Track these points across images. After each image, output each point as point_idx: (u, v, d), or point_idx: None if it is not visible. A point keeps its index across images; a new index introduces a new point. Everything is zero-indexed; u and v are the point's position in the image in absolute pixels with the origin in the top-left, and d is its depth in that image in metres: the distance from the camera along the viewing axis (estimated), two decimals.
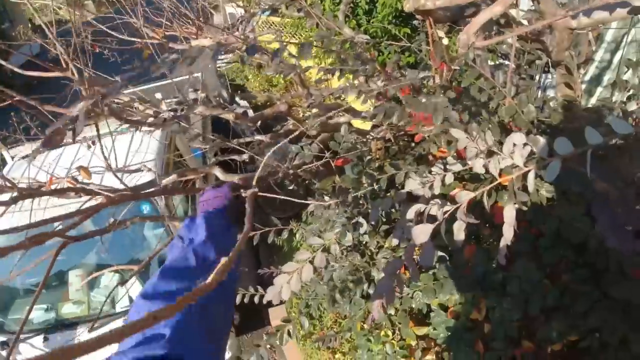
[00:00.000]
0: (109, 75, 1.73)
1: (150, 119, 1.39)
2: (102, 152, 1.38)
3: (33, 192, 1.19)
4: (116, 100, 1.39)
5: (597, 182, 0.80)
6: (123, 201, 0.96)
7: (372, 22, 4.32)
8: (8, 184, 1.16)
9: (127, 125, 1.65)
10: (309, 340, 3.85)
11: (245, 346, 4.86)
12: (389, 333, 1.78)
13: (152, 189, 1.22)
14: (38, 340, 3.69)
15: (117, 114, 1.22)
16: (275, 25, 6.25)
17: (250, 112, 5.93)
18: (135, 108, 1.45)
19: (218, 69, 8.56)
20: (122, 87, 1.00)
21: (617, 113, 1.27)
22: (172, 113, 1.40)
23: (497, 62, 2.27)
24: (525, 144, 0.88)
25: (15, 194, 1.24)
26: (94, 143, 1.80)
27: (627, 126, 0.72)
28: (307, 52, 1.24)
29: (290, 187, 1.57)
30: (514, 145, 0.90)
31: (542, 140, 0.85)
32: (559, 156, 0.83)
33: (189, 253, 1.02)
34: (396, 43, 2.77)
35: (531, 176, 0.87)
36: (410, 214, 1.03)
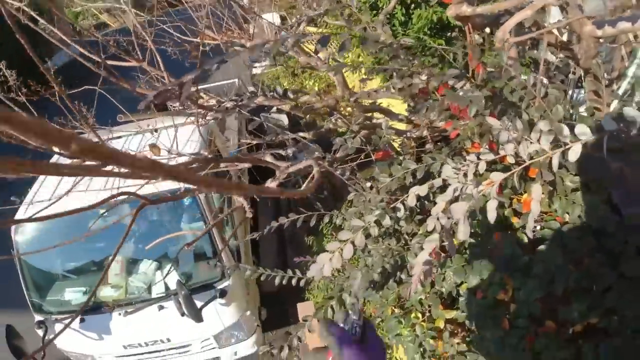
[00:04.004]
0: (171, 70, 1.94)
1: (215, 107, 1.57)
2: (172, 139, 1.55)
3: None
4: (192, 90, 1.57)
5: (613, 163, 0.93)
6: (206, 165, 1.12)
7: (408, 33, 4.47)
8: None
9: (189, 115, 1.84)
10: None
11: (278, 337, 5.00)
12: (419, 315, 1.92)
13: (231, 157, 1.39)
14: (75, 321, 3.88)
15: (193, 100, 1.40)
16: (312, 35, 6.46)
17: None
18: (202, 98, 1.63)
19: (253, 76, 8.82)
20: (214, 65, 1.16)
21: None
22: (233, 103, 1.58)
23: (530, 76, 2.40)
24: (550, 130, 1.02)
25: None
26: (156, 130, 1.98)
27: (613, 124, 0.87)
28: (370, 47, 1.40)
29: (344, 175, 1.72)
30: (541, 131, 1.04)
31: (565, 127, 1.00)
32: (579, 141, 0.97)
33: None
34: (430, 54, 2.92)
35: (555, 158, 1.01)
36: (449, 192, 1.18)
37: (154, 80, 1.82)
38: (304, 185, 1.25)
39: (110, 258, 1.33)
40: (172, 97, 0.97)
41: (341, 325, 0.89)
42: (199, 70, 1.04)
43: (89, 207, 1.45)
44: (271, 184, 1.27)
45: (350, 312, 0.91)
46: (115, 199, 1.45)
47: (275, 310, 4.97)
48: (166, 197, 1.41)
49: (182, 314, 3.59)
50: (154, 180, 1.49)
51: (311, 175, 1.09)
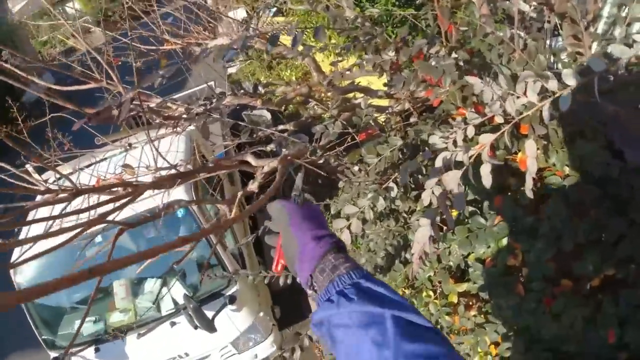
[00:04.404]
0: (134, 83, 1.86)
1: (184, 115, 1.49)
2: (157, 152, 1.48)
3: (88, 189, 1.29)
4: (153, 104, 1.49)
5: (607, 106, 0.86)
6: (169, 183, 1.05)
7: (376, 7, 4.38)
8: (67, 185, 1.26)
9: (161, 128, 1.76)
10: None
11: (288, 339, 4.95)
12: (431, 293, 1.86)
13: (195, 170, 1.32)
14: (90, 352, 3.83)
15: (156, 111, 1.32)
16: (280, 24, 6.36)
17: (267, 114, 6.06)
18: (169, 108, 1.55)
19: (229, 75, 8.71)
20: (160, 78, 1.09)
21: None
22: (202, 108, 1.50)
23: (505, 30, 2.32)
24: (536, 80, 0.95)
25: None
26: (130, 146, 1.91)
27: (601, 64, 0.79)
28: (322, 35, 1.32)
29: (321, 161, 1.65)
30: (526, 83, 0.97)
31: (551, 74, 0.92)
32: (569, 87, 0.90)
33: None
34: (401, 24, 2.83)
35: (546, 110, 0.94)
36: (438, 162, 1.11)
37: (117, 97, 1.74)
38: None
39: (92, 293, 1.27)
40: (111, 117, 0.90)
41: None
42: (138, 88, 0.97)
43: (67, 240, 1.38)
44: (252, 185, 1.20)
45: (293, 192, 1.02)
46: (95, 227, 1.38)
47: (289, 306, 4.91)
48: (146, 217, 1.34)
49: (195, 327, 3.55)
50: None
51: (275, 174, 1.02)
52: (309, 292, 0.85)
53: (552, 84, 0.92)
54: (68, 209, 1.53)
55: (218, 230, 0.74)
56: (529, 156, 0.99)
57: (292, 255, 0.90)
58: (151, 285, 3.95)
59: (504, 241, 1.49)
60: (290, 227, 0.93)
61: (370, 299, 0.75)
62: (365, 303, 0.74)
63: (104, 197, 1.57)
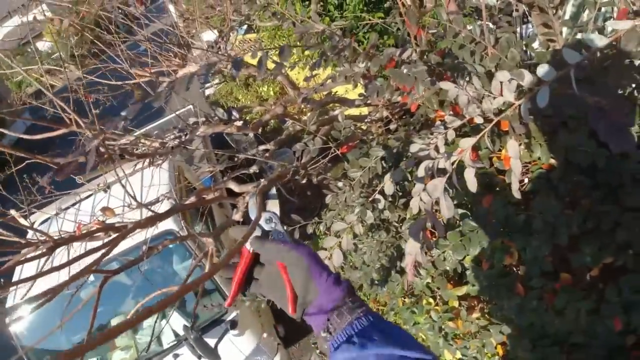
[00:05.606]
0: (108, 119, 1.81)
1: (159, 150, 1.45)
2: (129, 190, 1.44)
3: (67, 239, 1.24)
4: (123, 141, 1.45)
5: (588, 98, 0.84)
6: (150, 224, 1.01)
7: (345, 15, 4.38)
8: (42, 237, 1.22)
9: (135, 163, 1.72)
10: None
11: (295, 356, 4.90)
12: (431, 301, 1.82)
13: (173, 208, 1.27)
14: None
15: (127, 151, 1.28)
16: (252, 41, 6.34)
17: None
18: (142, 144, 1.51)
19: (207, 97, 8.68)
20: (123, 121, 1.06)
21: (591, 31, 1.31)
22: (177, 141, 1.46)
23: (474, 25, 2.31)
24: (511, 79, 0.92)
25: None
26: (109, 187, 1.87)
27: (576, 55, 0.77)
28: (287, 54, 1.29)
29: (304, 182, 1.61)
30: (501, 83, 0.94)
31: (526, 72, 0.90)
32: (545, 82, 0.87)
33: None
34: (372, 29, 2.81)
35: (524, 107, 0.92)
36: (421, 171, 1.07)
37: (87, 139, 1.69)
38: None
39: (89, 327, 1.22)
40: (77, 168, 0.86)
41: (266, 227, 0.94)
42: (103, 134, 0.93)
43: (52, 296, 1.33)
44: (236, 215, 1.17)
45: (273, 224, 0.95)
46: (81, 275, 1.33)
47: (292, 323, 4.84)
48: (130, 262, 1.29)
49: (199, 357, 3.48)
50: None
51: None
52: (323, 334, 0.85)
53: (527, 81, 0.89)
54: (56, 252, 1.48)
55: (216, 269, 0.70)
56: (512, 157, 0.96)
57: (310, 299, 0.88)
58: (150, 319, 3.87)
59: (498, 241, 1.46)
60: (308, 271, 0.89)
61: (393, 341, 0.79)
62: (388, 345, 0.78)
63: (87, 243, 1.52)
